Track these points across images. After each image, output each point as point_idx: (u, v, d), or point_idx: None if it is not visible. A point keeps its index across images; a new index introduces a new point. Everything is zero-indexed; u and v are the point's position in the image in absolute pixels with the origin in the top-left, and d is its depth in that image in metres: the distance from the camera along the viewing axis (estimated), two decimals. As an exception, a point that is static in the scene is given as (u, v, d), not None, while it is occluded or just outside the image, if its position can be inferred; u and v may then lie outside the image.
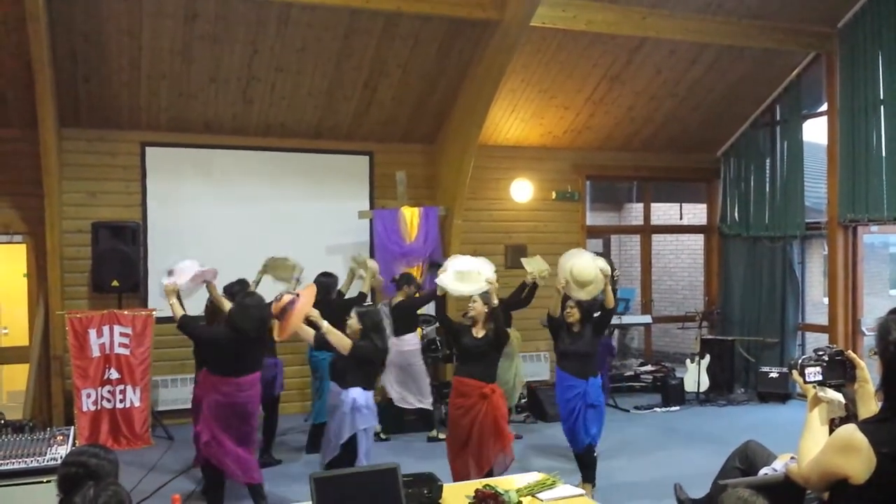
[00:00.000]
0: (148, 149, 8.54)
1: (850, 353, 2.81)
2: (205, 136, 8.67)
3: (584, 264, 5.91)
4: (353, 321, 5.30)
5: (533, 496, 3.78)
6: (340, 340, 5.19)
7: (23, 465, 4.28)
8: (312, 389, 7.97)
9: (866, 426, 2.52)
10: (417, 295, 7.97)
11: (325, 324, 5.24)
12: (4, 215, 8.03)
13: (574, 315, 5.98)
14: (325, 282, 7.38)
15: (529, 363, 9.46)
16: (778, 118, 10.16)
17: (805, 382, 2.81)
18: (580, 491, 3.99)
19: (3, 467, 4.32)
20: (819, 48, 9.31)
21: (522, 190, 9.98)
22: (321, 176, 9.17)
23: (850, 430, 2.51)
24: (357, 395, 5.21)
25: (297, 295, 5.44)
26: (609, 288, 5.95)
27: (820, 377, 2.79)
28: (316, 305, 5.47)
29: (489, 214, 9.91)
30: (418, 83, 8.70)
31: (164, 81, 7.94)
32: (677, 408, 9.25)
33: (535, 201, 10.09)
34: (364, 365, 5.27)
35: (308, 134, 9.03)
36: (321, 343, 5.26)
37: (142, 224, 8.39)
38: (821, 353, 2.82)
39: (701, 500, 5.04)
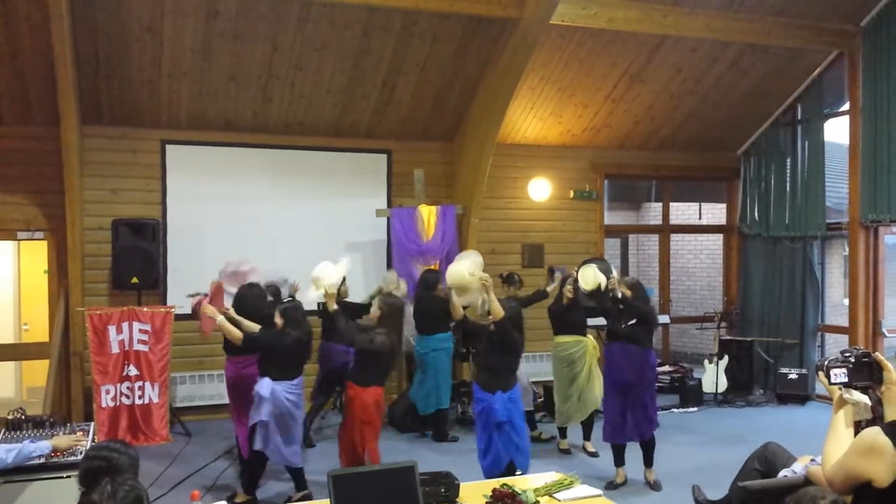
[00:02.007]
0: (168, 146, 8.59)
1: (878, 354, 2.77)
2: (225, 133, 8.71)
3: (455, 269, 5.61)
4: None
5: (550, 496, 3.77)
6: (231, 332, 5.66)
7: (43, 461, 4.31)
8: (415, 380, 8.03)
9: (891, 429, 2.49)
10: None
11: (219, 318, 5.68)
12: (26, 212, 8.11)
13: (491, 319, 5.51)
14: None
15: (539, 363, 9.40)
16: (799, 117, 10.07)
17: (830, 384, 2.78)
18: (598, 491, 3.96)
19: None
20: (841, 47, 9.22)
21: (540, 189, 9.95)
22: (339, 174, 9.19)
23: (873, 433, 2.49)
24: (261, 386, 5.58)
25: (206, 294, 5.85)
26: (491, 296, 5.35)
27: (846, 378, 2.76)
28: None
29: (507, 213, 9.89)
30: (437, 81, 8.69)
31: (184, 79, 7.99)
32: (695, 409, 9.19)
33: (553, 200, 10.05)
34: (268, 354, 5.67)
35: (327, 132, 9.05)
36: (248, 340, 5.68)
37: (162, 221, 8.44)
38: (847, 354, 2.79)
39: (719, 502, 5.01)
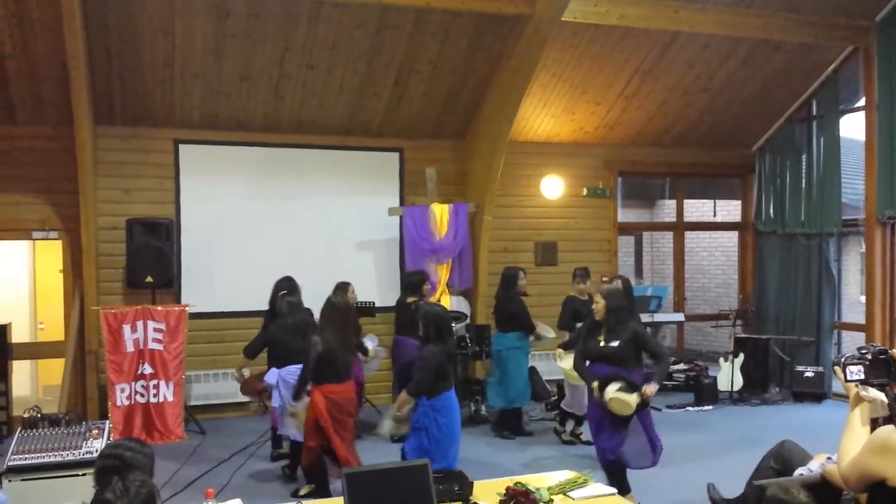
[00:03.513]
0: (181, 146, 8.62)
1: (895, 351, 2.75)
2: (237, 133, 8.73)
3: None
4: None
5: (564, 494, 3.75)
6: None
7: (59, 459, 4.34)
8: (493, 374, 8.07)
9: (907, 427, 2.46)
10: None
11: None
12: (41, 212, 8.16)
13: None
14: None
15: (550, 362, 9.37)
16: (814, 113, 9.99)
17: (846, 381, 2.76)
18: (612, 490, 3.95)
19: (39, 460, 4.38)
20: (856, 42, 9.14)
21: (553, 186, 9.92)
22: (352, 173, 9.20)
23: (888, 432, 2.46)
24: (269, 376, 6.40)
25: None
26: None
27: (862, 376, 2.74)
28: None
29: (519, 211, 9.87)
30: (449, 79, 8.68)
31: (196, 79, 8.01)
32: (710, 407, 9.14)
33: (566, 198, 10.02)
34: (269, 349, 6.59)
35: (339, 131, 9.05)
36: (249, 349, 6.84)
37: (175, 220, 8.47)
38: (864, 351, 2.77)
39: (735, 501, 4.97)
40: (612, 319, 5.49)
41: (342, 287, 7.39)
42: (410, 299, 7.88)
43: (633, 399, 5.22)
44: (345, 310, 5.92)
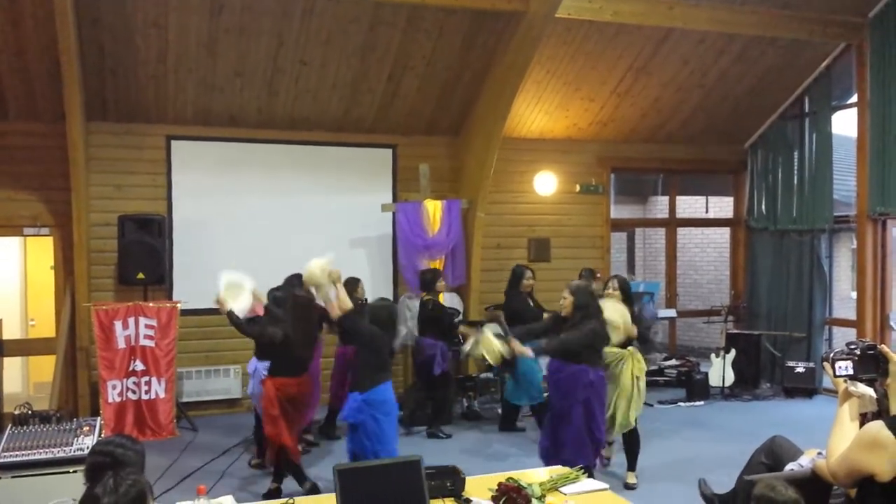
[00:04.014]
0: (174, 142, 8.59)
1: (884, 347, 2.75)
2: (230, 129, 8.71)
3: (307, 267, 5.71)
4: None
5: (556, 490, 3.76)
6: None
7: (50, 456, 4.33)
8: (508, 378, 8.03)
9: (895, 422, 2.47)
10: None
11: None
12: (32, 208, 8.13)
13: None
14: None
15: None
16: (807, 110, 10.02)
17: (835, 376, 2.76)
18: (604, 485, 3.96)
19: (30, 457, 4.37)
20: (849, 39, 9.17)
21: (546, 183, 9.93)
22: (345, 169, 9.18)
23: (876, 427, 2.47)
24: (249, 364, 6.57)
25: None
26: (339, 288, 5.48)
27: (851, 371, 2.74)
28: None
29: (512, 207, 9.87)
30: (442, 75, 8.67)
31: (190, 75, 7.98)
32: (702, 402, 9.17)
33: (559, 194, 10.03)
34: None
35: (332, 127, 9.04)
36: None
37: (167, 217, 8.45)
38: (853, 346, 2.77)
39: (726, 496, 4.99)
40: (577, 316, 5.49)
41: (352, 282, 7.18)
42: (426, 297, 7.96)
43: (496, 345, 5.60)
44: (306, 305, 5.90)
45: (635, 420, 6.15)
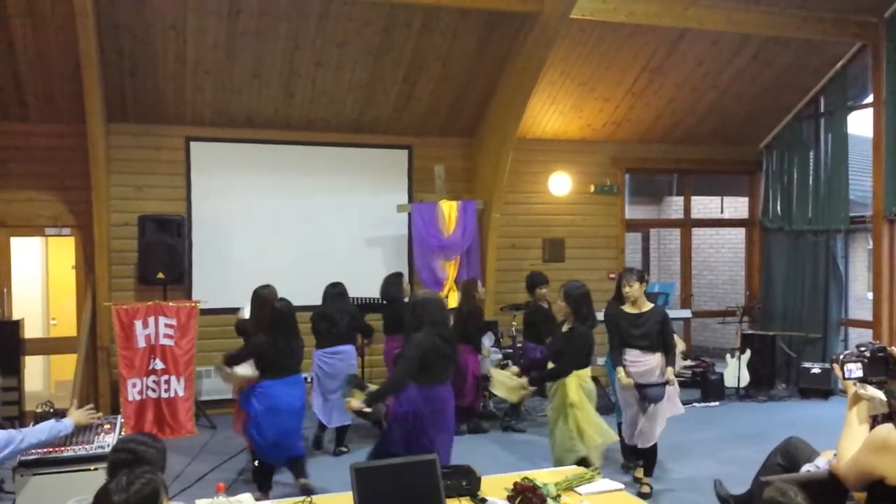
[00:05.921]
0: (192, 143, 8.68)
1: (894, 349, 2.76)
2: (247, 130, 8.79)
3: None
4: None
5: (571, 489, 3.79)
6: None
7: (71, 454, 4.38)
8: None
9: (905, 426, 2.48)
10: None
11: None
12: (53, 208, 8.24)
13: None
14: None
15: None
16: (822, 110, 9.99)
17: (845, 379, 2.77)
18: (619, 485, 3.98)
19: (51, 455, 4.43)
20: (865, 38, 9.13)
21: (561, 183, 9.94)
22: (360, 170, 9.24)
23: (886, 431, 2.48)
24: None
25: None
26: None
27: (860, 374, 2.75)
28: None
29: (527, 208, 9.89)
30: (457, 77, 8.71)
31: (208, 76, 8.07)
32: (717, 403, 9.17)
33: (574, 195, 10.04)
34: None
35: (348, 128, 9.10)
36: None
37: (186, 217, 8.54)
38: (863, 349, 2.78)
39: (742, 497, 5.00)
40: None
41: (397, 276, 7.80)
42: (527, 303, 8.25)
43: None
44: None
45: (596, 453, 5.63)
